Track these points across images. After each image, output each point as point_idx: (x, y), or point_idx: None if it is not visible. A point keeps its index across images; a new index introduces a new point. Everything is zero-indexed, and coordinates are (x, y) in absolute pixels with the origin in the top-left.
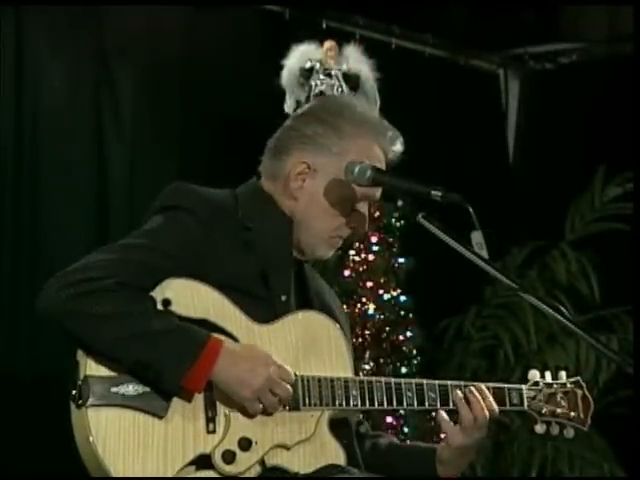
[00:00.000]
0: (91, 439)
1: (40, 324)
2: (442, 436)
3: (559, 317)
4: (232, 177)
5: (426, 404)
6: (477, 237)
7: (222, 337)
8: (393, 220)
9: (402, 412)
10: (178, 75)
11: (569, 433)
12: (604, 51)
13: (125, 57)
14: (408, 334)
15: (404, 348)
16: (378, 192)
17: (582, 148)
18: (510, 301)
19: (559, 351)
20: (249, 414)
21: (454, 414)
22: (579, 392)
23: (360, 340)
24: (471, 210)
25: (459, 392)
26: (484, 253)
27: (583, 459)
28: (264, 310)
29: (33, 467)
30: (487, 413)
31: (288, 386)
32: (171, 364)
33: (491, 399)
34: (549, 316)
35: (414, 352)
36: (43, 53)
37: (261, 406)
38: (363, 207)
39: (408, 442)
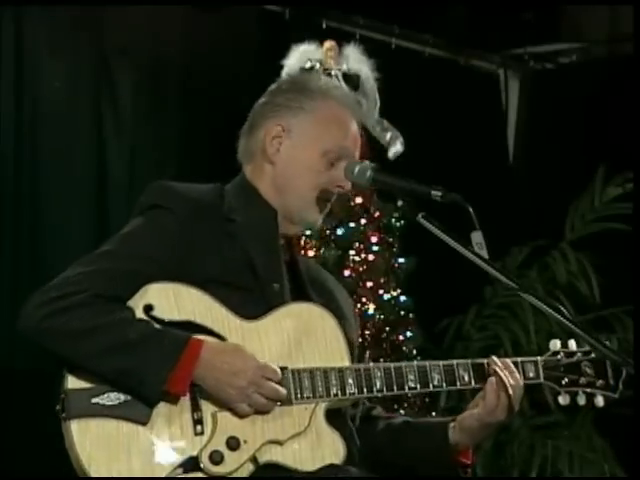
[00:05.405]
0: (76, 451)
1: None
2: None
3: (559, 317)
4: (232, 177)
5: (430, 386)
6: (477, 237)
7: (208, 337)
8: (393, 220)
9: (402, 412)
10: (178, 75)
11: (599, 402)
12: (604, 51)
13: (125, 57)
14: (408, 334)
15: (404, 348)
16: (357, 152)
17: (582, 148)
18: (510, 301)
19: None
20: (237, 414)
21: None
22: None
23: (360, 340)
24: (471, 210)
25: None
26: (484, 253)
27: (583, 459)
28: (256, 302)
29: (33, 467)
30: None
31: (275, 385)
32: (152, 369)
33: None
34: (549, 316)
35: (414, 352)
36: (43, 53)
37: (249, 408)
38: (342, 165)
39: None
